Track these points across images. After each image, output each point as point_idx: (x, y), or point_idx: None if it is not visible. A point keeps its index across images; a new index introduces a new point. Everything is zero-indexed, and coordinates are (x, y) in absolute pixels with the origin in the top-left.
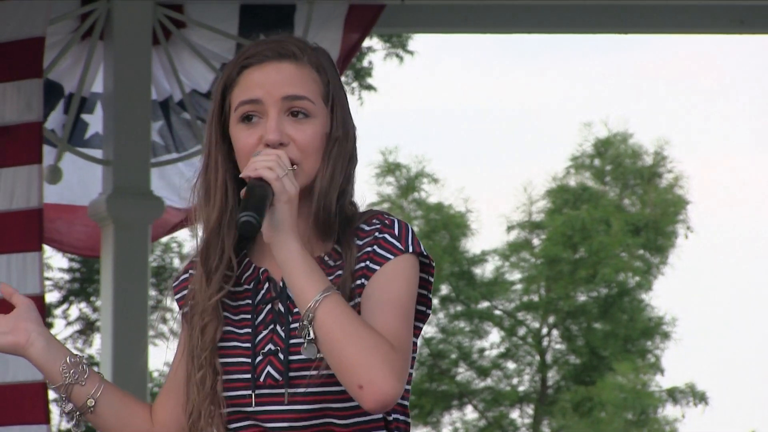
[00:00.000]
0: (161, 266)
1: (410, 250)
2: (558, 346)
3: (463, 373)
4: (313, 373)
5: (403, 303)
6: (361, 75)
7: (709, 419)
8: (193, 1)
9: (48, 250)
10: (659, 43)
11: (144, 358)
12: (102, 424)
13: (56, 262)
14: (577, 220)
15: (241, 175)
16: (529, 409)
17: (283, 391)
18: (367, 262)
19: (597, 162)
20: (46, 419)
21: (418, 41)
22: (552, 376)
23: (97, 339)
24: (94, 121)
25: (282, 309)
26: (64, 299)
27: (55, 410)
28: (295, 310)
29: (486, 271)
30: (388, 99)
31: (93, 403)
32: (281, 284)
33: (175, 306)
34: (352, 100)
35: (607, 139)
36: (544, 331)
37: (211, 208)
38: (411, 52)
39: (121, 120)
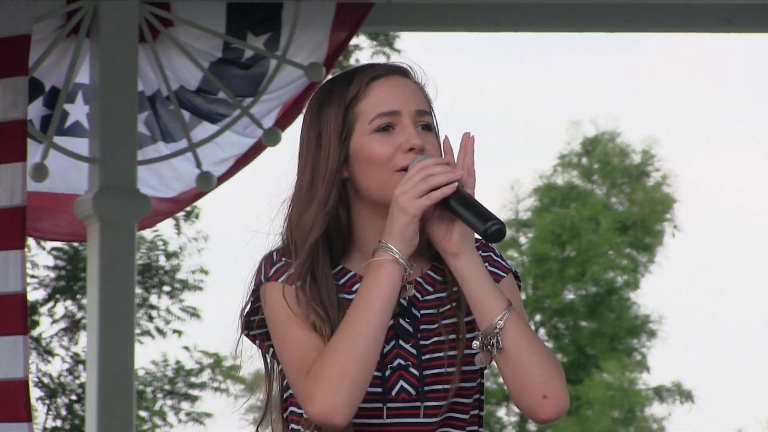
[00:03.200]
0: (147, 264)
1: (512, 269)
2: (545, 344)
3: None
4: (447, 387)
5: (526, 317)
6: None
7: (695, 417)
8: None
9: (33, 247)
10: (647, 42)
11: (130, 356)
12: None
13: (42, 259)
14: (566, 219)
15: (445, 185)
16: (516, 408)
17: (417, 404)
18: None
19: (585, 160)
20: (28, 417)
21: (405, 39)
22: None
23: (83, 337)
24: (74, 110)
25: (407, 326)
26: (50, 297)
27: (40, 408)
28: (422, 326)
29: None
30: None
31: None
32: (404, 302)
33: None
34: None
35: (595, 137)
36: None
37: (317, 214)
38: (398, 51)
39: (107, 118)
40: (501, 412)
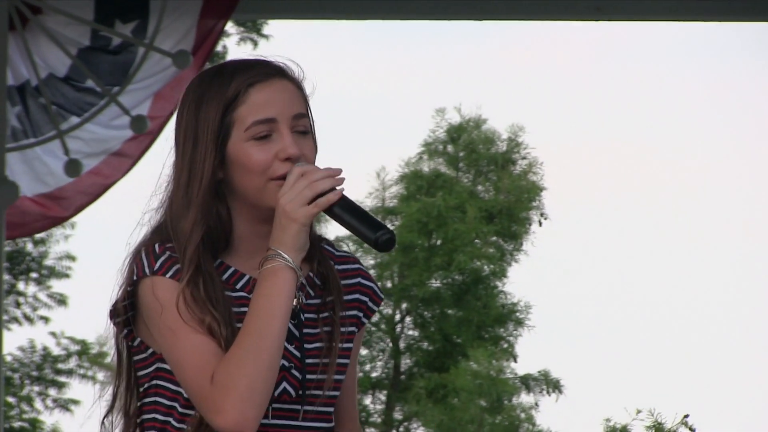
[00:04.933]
0: (15, 250)
1: (380, 300)
2: (411, 333)
3: None
4: (327, 393)
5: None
6: (214, 59)
7: (563, 407)
8: None
9: None
10: (515, 30)
11: None
12: None
13: None
14: (433, 207)
15: (329, 192)
16: (382, 396)
17: (297, 407)
18: (361, 316)
19: (450, 148)
20: None
21: (273, 26)
22: (405, 362)
23: None
24: None
25: (293, 328)
26: None
27: None
28: (305, 330)
29: None
30: None
31: None
32: (295, 304)
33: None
34: None
35: (461, 125)
36: (398, 317)
37: (195, 220)
38: (266, 37)
39: None
40: (367, 401)
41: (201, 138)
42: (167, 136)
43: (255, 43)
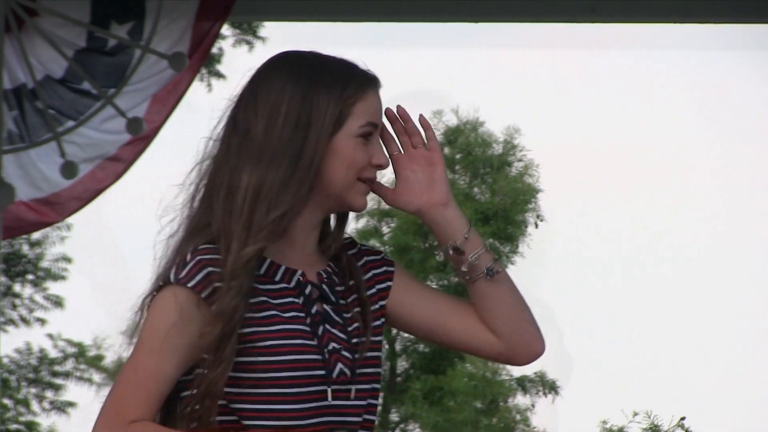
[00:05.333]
0: (11, 252)
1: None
2: (407, 335)
3: None
4: (373, 370)
5: None
6: (210, 62)
7: (559, 409)
8: None
9: None
10: (510, 32)
11: None
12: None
13: None
14: None
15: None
16: (379, 398)
17: (350, 387)
18: (384, 286)
19: (447, 150)
20: None
21: (270, 28)
22: (401, 364)
23: None
24: None
25: (331, 312)
26: None
27: None
28: (346, 314)
29: None
30: (237, 86)
31: None
32: (325, 288)
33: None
34: (201, 88)
35: (458, 127)
36: None
37: (299, 193)
38: (262, 39)
39: None
40: None
41: (316, 122)
42: (165, 139)
43: (251, 45)
